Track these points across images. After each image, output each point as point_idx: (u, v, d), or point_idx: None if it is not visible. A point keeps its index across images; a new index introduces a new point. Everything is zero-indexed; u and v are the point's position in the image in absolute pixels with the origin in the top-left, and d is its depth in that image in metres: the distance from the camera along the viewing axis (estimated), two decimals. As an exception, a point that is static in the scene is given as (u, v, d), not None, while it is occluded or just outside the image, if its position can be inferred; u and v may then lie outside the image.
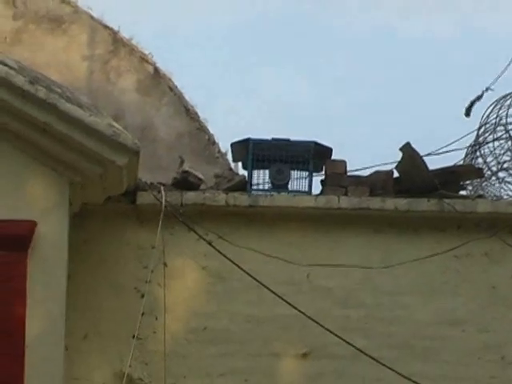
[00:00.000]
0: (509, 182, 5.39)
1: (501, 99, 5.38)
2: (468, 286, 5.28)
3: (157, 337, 5.25)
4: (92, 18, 6.10)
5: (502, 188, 5.46)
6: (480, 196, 5.29)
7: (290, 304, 5.13)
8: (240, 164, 5.91)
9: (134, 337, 5.16)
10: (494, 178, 5.43)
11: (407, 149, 5.23)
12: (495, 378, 5.27)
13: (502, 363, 5.26)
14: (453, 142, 5.52)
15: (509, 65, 5.30)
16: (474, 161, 5.45)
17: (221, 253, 5.18)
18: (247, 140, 5.45)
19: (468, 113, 5.53)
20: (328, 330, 5.08)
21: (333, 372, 5.25)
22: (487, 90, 5.37)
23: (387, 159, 5.40)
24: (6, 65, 4.76)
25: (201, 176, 5.42)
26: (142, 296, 5.22)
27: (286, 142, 5.48)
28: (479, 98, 5.46)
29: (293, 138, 5.60)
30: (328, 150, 5.39)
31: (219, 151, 6.05)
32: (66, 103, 4.71)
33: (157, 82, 6.23)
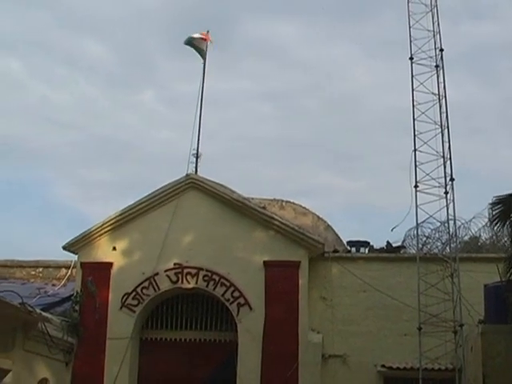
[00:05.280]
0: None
1: (411, 229, 21.21)
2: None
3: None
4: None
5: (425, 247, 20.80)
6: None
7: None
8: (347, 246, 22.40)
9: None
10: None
11: (388, 242, 21.55)
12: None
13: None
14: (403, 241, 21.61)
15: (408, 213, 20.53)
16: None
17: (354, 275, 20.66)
18: (350, 242, 22.24)
19: (392, 230, 20.46)
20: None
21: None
22: (395, 227, 20.70)
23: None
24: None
25: (339, 249, 21.71)
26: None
27: (363, 242, 21.95)
28: (394, 228, 20.54)
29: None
30: (368, 242, 21.85)
31: (342, 242, 22.79)
32: (312, 234, 20.94)
33: (322, 222, 23.29)
